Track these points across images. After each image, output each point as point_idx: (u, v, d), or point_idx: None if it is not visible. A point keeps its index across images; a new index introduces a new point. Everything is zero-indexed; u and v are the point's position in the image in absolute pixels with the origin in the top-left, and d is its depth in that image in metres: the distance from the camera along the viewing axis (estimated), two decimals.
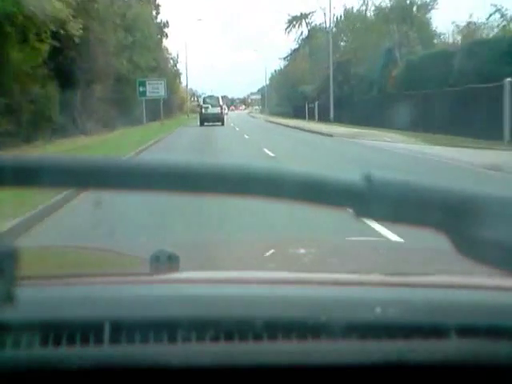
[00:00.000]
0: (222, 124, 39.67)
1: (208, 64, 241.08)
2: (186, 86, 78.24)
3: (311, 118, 46.45)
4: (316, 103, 45.96)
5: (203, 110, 40.78)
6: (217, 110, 40.45)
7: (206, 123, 39.29)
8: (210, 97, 44.10)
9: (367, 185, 0.60)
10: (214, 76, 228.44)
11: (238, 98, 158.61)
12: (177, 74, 71.92)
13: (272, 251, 1.66)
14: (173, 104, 62.49)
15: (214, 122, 39.27)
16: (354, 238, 2.17)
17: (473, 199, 0.61)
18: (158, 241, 2.42)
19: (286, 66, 72.54)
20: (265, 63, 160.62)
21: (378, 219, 0.61)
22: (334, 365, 0.75)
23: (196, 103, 65.83)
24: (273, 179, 0.61)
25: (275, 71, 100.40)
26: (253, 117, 76.45)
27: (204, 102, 42.25)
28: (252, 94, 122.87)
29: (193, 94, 70.39)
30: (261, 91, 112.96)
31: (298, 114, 53.69)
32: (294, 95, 59.86)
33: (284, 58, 73.61)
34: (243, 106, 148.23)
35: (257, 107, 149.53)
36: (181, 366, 0.74)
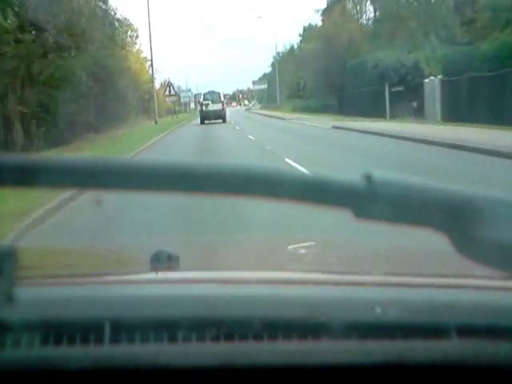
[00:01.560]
0: (224, 121, 35.76)
1: (191, 59, 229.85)
2: (151, 66, 41.75)
3: (403, 115, 24.08)
4: (437, 80, 22.69)
5: (203, 107, 37.11)
6: (218, 106, 36.82)
7: (206, 121, 35.73)
8: (211, 92, 39.16)
9: (367, 185, 0.60)
10: (198, 72, 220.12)
11: (228, 94, 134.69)
12: (115, 29, 31.72)
13: (272, 251, 1.66)
14: (117, 99, 29.84)
15: (215, 119, 35.81)
16: (353, 238, 2.17)
17: (473, 199, 0.61)
18: (158, 241, 2.42)
19: (306, 37, 55.87)
20: (269, 41, 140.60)
21: (377, 219, 0.61)
22: (334, 365, 0.75)
23: (173, 99, 44.43)
24: (273, 179, 0.61)
25: (279, 54, 77.83)
26: (269, 117, 44.30)
27: (204, 98, 38.16)
28: (254, 83, 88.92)
29: (168, 85, 43.51)
30: (267, 78, 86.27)
31: (349, 108, 30.88)
32: (342, 76, 34.32)
33: (323, 11, 48.01)
34: (234, 103, 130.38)
35: (247, 102, 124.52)
36: (181, 366, 0.74)
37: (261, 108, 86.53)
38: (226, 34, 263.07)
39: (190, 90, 74.47)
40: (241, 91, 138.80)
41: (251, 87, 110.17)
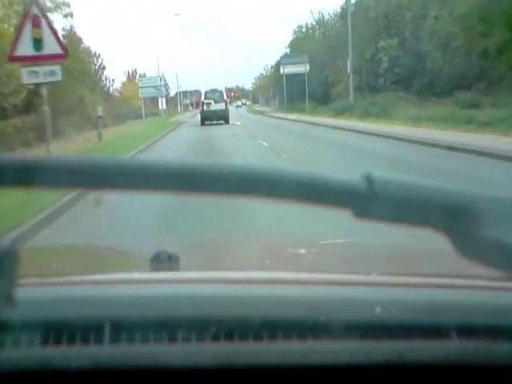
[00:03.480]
0: (227, 122, 31.96)
1: (175, 57, 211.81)
2: None
3: None
4: None
5: (205, 107, 33.24)
6: (221, 106, 33.03)
7: (207, 122, 32.20)
8: (213, 91, 35.06)
9: (367, 185, 0.60)
10: (181, 70, 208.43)
11: None
12: None
13: (272, 251, 1.66)
14: None
15: (217, 120, 32.24)
16: (354, 239, 2.17)
17: (473, 199, 0.61)
18: (159, 241, 2.42)
19: None
20: None
21: (377, 219, 0.61)
22: (334, 365, 0.75)
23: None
24: (273, 179, 0.61)
25: (300, 29, 53.66)
26: None
27: (206, 97, 34.00)
28: (283, 61, 46.45)
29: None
30: (294, 53, 48.22)
31: None
32: None
33: None
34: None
35: (242, 101, 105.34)
36: (181, 366, 0.74)
37: (276, 111, 48.85)
38: (210, 31, 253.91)
39: (161, 79, 43.00)
40: (230, 89, 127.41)
41: (240, 85, 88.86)
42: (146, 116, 42.08)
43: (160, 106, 45.90)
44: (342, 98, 34.97)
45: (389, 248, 1.90)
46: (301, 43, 50.44)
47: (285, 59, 46.31)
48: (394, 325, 0.75)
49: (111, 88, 42.91)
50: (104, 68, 41.43)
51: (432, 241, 0.84)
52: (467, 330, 0.74)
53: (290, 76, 42.90)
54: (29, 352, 0.73)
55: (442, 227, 0.61)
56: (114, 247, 1.89)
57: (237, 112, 63.73)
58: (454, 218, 0.60)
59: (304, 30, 54.97)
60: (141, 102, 40.23)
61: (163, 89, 43.71)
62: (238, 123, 29.00)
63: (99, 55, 40.73)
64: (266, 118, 41.08)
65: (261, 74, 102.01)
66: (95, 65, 40.21)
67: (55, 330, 0.73)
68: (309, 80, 40.78)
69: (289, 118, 36.06)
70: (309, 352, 0.75)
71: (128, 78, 46.63)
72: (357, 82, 33.36)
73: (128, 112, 38.36)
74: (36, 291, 0.81)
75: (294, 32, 57.65)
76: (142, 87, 41.15)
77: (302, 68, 41.96)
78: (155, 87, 41.52)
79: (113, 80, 42.18)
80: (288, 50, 57.25)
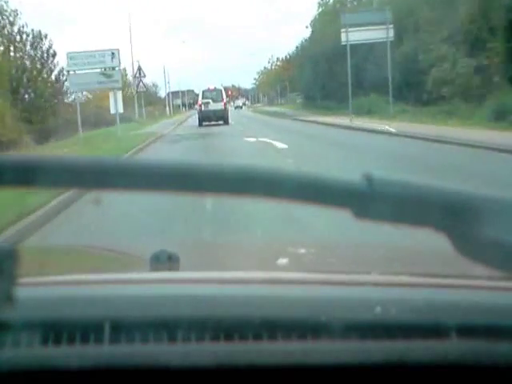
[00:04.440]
0: (226, 123, 30.46)
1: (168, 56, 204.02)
2: None
3: None
4: None
5: (203, 107, 31.59)
6: (219, 105, 31.51)
7: (205, 122, 30.80)
8: (211, 89, 33.47)
9: (367, 185, 0.60)
10: (172, 69, 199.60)
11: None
12: None
13: (272, 251, 1.66)
14: None
15: (216, 120, 30.82)
16: (353, 238, 2.17)
17: (473, 199, 0.61)
18: (159, 241, 2.43)
19: None
20: None
21: (377, 219, 0.61)
22: (334, 365, 0.75)
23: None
24: (273, 179, 0.61)
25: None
26: None
27: (203, 96, 32.45)
28: (346, 20, 21.16)
29: None
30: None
31: None
32: None
33: None
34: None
35: (242, 101, 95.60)
36: (181, 366, 0.74)
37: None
38: (202, 28, 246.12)
39: (114, 55, 20.27)
40: (226, 88, 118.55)
41: (236, 84, 79.85)
42: (108, 124, 26.12)
43: (112, 109, 22.94)
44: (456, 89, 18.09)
45: (389, 248, 1.90)
46: (333, 18, 31.46)
47: (349, 18, 23.82)
48: (394, 325, 0.75)
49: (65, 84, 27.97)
50: (54, 55, 29.94)
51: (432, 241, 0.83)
52: (467, 330, 0.74)
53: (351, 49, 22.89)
54: (29, 352, 0.73)
55: (442, 227, 0.61)
56: (113, 247, 1.89)
57: (239, 114, 50.09)
58: (454, 217, 0.60)
59: (331, 2, 39.87)
60: (77, 103, 22.17)
61: (118, 75, 21.76)
62: (282, 145, 14.24)
63: (46, 36, 29.49)
64: (319, 130, 21.75)
65: (265, 68, 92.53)
66: (38, 48, 29.67)
67: (55, 330, 0.73)
68: (371, 64, 23.30)
69: (388, 129, 16.99)
70: (309, 352, 0.75)
71: None
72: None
73: (84, 120, 22.53)
74: (36, 291, 0.81)
75: (319, 5, 41.35)
76: (72, 72, 21.06)
77: (382, 33, 22.56)
78: (102, 73, 20.71)
79: (68, 72, 20.72)
80: (310, 32, 41.55)
